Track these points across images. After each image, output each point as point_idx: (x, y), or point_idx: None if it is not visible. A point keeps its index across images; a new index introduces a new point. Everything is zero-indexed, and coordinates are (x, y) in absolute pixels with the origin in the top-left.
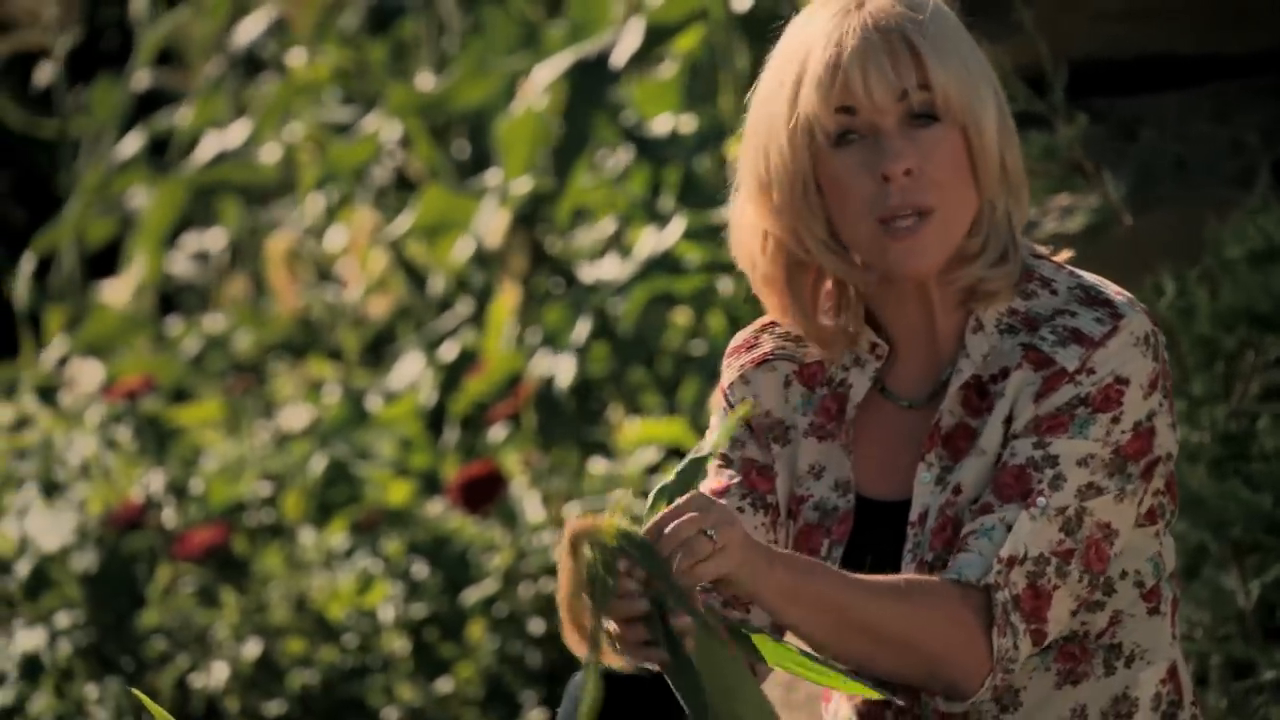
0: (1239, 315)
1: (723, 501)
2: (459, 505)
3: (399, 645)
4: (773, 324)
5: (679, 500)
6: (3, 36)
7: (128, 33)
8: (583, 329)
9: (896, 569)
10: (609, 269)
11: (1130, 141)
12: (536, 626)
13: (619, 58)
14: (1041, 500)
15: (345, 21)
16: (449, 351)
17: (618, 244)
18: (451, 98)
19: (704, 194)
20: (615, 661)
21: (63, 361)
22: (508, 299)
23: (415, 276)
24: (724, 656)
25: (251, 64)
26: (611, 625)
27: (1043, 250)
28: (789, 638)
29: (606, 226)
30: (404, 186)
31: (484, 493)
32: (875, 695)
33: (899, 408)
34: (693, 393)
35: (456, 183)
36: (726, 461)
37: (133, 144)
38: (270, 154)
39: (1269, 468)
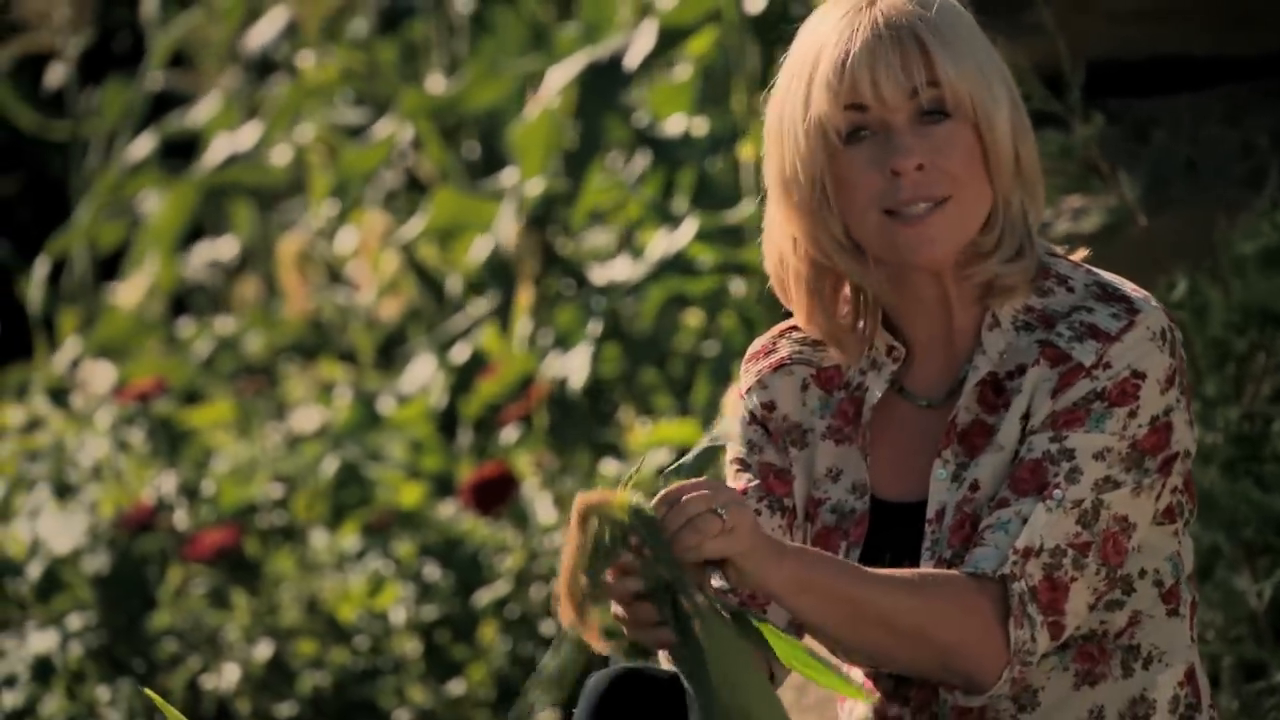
0: (1250, 317)
1: None
2: (471, 507)
3: (410, 647)
4: (790, 329)
5: (693, 480)
6: (14, 38)
7: (139, 34)
8: (595, 330)
9: (915, 568)
10: (620, 270)
11: (1143, 144)
12: (549, 628)
13: (632, 60)
14: (1058, 493)
15: (355, 24)
16: (461, 353)
17: (629, 245)
18: (463, 100)
19: (717, 195)
20: (597, 641)
21: (75, 363)
22: (521, 300)
23: (426, 279)
24: (733, 646)
25: (263, 66)
26: (617, 607)
27: (1058, 249)
28: (806, 640)
29: (618, 228)
30: (415, 188)
31: (496, 494)
32: (871, 701)
33: (917, 408)
34: (705, 394)
35: (468, 185)
36: (744, 465)
37: (144, 146)
38: (281, 156)
39: None
